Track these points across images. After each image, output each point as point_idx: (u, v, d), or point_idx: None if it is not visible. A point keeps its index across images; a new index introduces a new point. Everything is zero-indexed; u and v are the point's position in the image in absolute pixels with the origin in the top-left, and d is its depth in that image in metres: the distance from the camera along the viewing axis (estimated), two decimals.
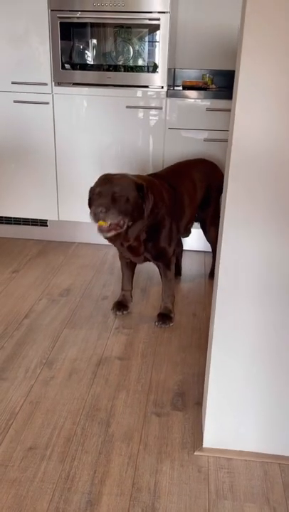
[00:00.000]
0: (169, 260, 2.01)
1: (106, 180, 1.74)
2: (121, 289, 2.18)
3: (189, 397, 1.60)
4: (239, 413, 1.33)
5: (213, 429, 1.36)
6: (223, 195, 1.26)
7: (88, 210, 1.74)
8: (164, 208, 1.88)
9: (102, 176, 1.79)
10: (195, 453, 1.37)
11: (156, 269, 2.07)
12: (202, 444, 1.38)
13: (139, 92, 2.56)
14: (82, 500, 1.21)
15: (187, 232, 2.50)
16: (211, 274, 2.52)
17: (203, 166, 2.32)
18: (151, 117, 2.60)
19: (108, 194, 1.68)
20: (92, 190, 1.78)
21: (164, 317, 2.05)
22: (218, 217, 2.37)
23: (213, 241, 2.45)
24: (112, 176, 1.76)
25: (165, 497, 1.23)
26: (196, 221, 2.41)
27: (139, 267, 2.26)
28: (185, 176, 2.15)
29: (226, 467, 1.33)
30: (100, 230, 1.70)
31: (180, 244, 2.56)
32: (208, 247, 2.86)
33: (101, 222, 1.67)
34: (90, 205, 1.78)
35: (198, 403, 1.57)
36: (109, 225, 1.68)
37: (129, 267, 2.13)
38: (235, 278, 1.20)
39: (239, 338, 1.25)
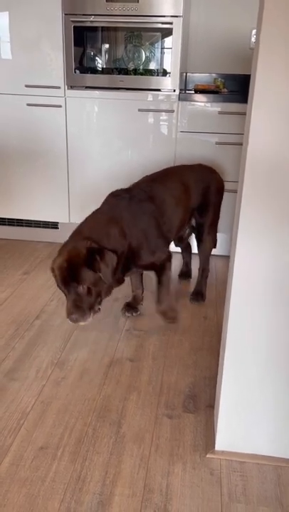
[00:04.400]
0: (162, 267, 1.89)
1: (59, 270, 1.64)
2: (131, 290, 2.18)
3: (201, 400, 1.59)
4: (252, 416, 1.32)
5: (225, 431, 1.35)
6: (237, 200, 1.26)
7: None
8: (124, 240, 1.74)
9: (56, 258, 1.68)
10: (207, 455, 1.36)
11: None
12: (214, 447, 1.37)
13: (151, 95, 2.57)
14: (93, 500, 1.21)
15: (181, 242, 2.41)
16: (195, 296, 2.29)
17: (199, 169, 2.21)
18: (163, 121, 2.60)
19: (72, 292, 1.64)
20: (52, 271, 1.70)
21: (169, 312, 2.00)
22: (216, 225, 2.28)
23: (206, 254, 2.28)
24: (63, 258, 1.64)
25: (177, 499, 1.22)
26: (190, 228, 2.27)
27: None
28: (173, 179, 2.04)
29: (239, 470, 1.31)
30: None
31: (188, 248, 2.54)
32: (218, 251, 2.85)
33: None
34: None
35: (210, 406, 1.55)
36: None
37: None
38: (248, 282, 1.19)
39: (252, 342, 1.24)
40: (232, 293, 1.21)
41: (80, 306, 1.64)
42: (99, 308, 1.72)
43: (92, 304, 1.68)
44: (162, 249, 1.89)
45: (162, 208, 1.91)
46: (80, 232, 1.73)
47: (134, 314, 2.11)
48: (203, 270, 2.31)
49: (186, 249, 2.53)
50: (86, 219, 1.79)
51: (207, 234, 2.24)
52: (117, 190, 1.90)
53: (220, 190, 2.25)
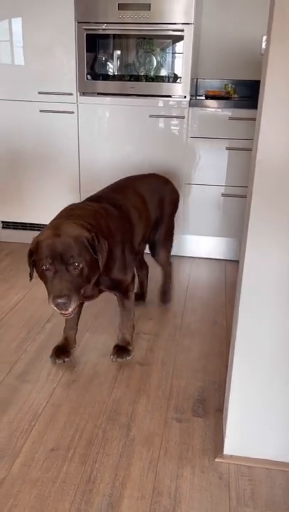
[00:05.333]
0: (127, 288, 1.79)
1: (55, 242, 1.45)
2: (63, 330, 1.88)
3: (210, 404, 1.60)
4: (261, 421, 1.33)
5: (234, 436, 1.36)
6: (246, 205, 1.27)
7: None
8: (111, 238, 1.64)
9: (48, 231, 1.49)
10: (216, 460, 1.37)
11: (178, 276, 2.07)
12: (223, 451, 1.38)
13: (162, 101, 2.59)
14: (103, 502, 1.22)
15: (139, 254, 2.18)
16: (163, 298, 2.29)
17: (154, 180, 2.10)
18: (173, 126, 2.63)
19: (63, 270, 1.44)
20: (37, 248, 1.48)
21: (121, 349, 1.84)
22: (170, 238, 2.17)
23: (164, 264, 2.19)
24: (60, 232, 1.47)
25: (186, 502, 1.23)
26: (146, 242, 2.10)
27: (160, 274, 2.27)
28: (131, 190, 1.93)
29: (247, 475, 1.32)
30: (63, 314, 1.48)
31: (145, 267, 2.31)
32: (228, 255, 2.87)
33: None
34: (36, 264, 1.51)
35: (219, 410, 1.56)
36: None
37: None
38: (258, 287, 1.20)
39: (262, 347, 1.25)
40: (241, 298, 1.22)
41: (72, 289, 1.43)
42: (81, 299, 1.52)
43: (81, 288, 1.48)
44: (131, 269, 1.79)
45: (127, 218, 1.80)
46: (70, 215, 1.59)
47: (65, 360, 1.80)
48: (166, 271, 2.25)
49: (142, 268, 2.31)
50: (70, 208, 1.66)
51: (161, 247, 2.12)
52: (89, 198, 1.81)
53: (175, 202, 2.16)
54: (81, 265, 1.46)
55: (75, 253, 1.44)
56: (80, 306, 1.82)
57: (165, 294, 2.30)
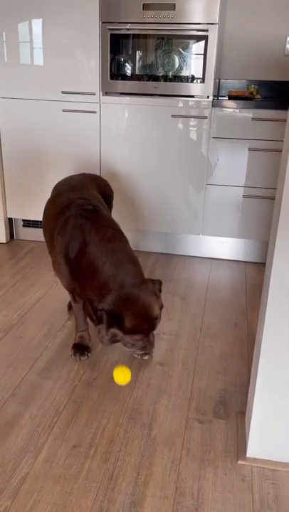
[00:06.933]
0: None
1: (146, 325, 1.59)
2: (76, 330, 1.89)
3: (232, 406, 1.59)
4: (285, 424, 1.31)
5: (257, 439, 1.35)
6: (275, 206, 1.26)
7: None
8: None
9: (134, 310, 1.56)
10: (238, 462, 1.35)
11: (197, 277, 2.06)
12: (246, 454, 1.37)
13: (185, 101, 2.59)
14: (125, 500, 1.22)
15: None
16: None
17: (92, 177, 2.15)
18: (196, 126, 2.62)
19: (150, 333, 1.64)
20: (128, 330, 1.56)
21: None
22: None
23: None
24: (153, 306, 1.59)
25: (208, 503, 1.22)
26: None
27: (179, 275, 2.27)
28: (90, 190, 1.95)
29: (271, 478, 1.31)
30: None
31: None
32: (248, 257, 2.85)
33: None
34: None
35: (241, 412, 1.55)
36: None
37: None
38: (286, 288, 1.19)
39: (288, 350, 1.24)
40: (268, 300, 1.21)
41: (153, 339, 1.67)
42: None
43: None
44: None
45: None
46: (127, 275, 1.64)
47: (88, 355, 1.84)
48: None
49: None
50: (105, 246, 1.68)
51: None
52: (77, 205, 1.77)
53: (111, 195, 2.24)
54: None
55: (158, 317, 1.62)
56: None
57: None
